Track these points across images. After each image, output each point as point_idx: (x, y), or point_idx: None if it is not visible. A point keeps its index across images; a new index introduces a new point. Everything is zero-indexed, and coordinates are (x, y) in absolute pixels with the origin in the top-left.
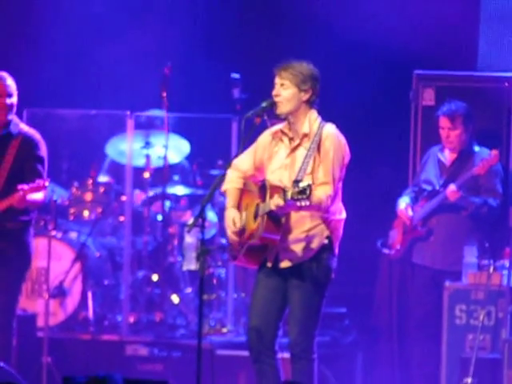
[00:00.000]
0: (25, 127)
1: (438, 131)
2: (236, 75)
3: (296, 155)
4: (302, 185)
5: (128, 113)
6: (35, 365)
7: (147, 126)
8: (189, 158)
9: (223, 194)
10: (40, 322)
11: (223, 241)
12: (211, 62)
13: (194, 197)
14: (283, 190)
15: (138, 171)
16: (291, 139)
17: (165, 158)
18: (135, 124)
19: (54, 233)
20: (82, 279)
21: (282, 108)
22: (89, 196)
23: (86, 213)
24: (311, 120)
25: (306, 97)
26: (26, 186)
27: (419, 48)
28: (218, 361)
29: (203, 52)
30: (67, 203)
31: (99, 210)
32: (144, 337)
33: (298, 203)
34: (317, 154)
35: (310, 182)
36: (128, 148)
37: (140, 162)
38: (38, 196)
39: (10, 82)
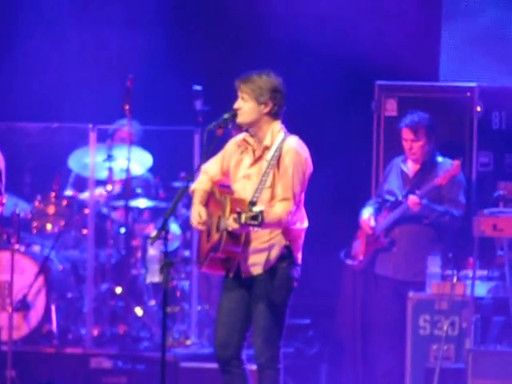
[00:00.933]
0: None
1: (400, 142)
2: (198, 87)
3: (258, 167)
4: (255, 209)
5: (90, 126)
6: None
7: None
8: (151, 170)
9: (186, 207)
10: (3, 336)
11: (186, 253)
12: (173, 74)
13: (156, 209)
14: (238, 214)
15: (102, 184)
16: (254, 150)
17: (127, 170)
18: (99, 137)
19: (16, 246)
20: (45, 292)
21: (242, 119)
22: (51, 209)
23: (48, 226)
24: (274, 132)
25: (266, 109)
26: None
27: (381, 59)
28: (182, 373)
29: (165, 64)
30: (30, 216)
31: (62, 223)
32: (108, 349)
33: (251, 228)
34: (276, 169)
35: (263, 208)
36: (91, 161)
37: (103, 174)
38: None
39: None
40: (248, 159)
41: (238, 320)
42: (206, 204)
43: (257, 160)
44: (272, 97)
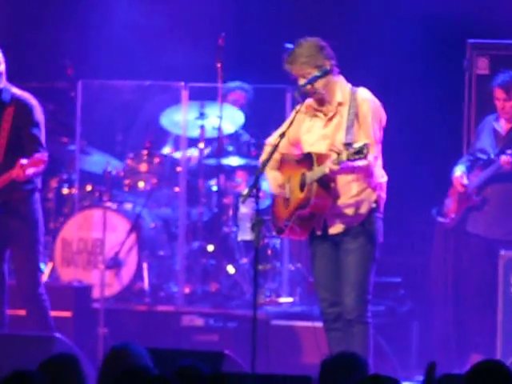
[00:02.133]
0: (17, 91)
1: (492, 100)
2: (290, 45)
3: (333, 124)
4: (357, 145)
5: (182, 84)
6: (91, 336)
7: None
8: (243, 128)
9: None
10: (96, 294)
11: None
12: (265, 32)
13: (248, 167)
14: (337, 153)
15: (193, 142)
16: (324, 112)
17: (219, 128)
18: (190, 95)
19: (109, 204)
20: (137, 250)
21: (316, 85)
22: (144, 167)
23: (141, 184)
24: (342, 87)
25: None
26: (25, 161)
27: (473, 16)
28: (273, 331)
29: (257, 22)
30: (122, 174)
31: (154, 180)
32: (199, 307)
33: (355, 163)
34: (355, 118)
35: (367, 141)
36: (182, 119)
37: (194, 132)
38: (38, 167)
39: None
40: (320, 122)
41: (336, 277)
42: (280, 172)
43: (331, 118)
44: (325, 55)
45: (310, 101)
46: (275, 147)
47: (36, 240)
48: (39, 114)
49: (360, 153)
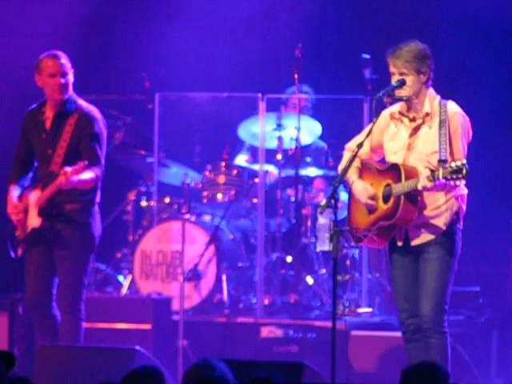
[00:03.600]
0: (83, 104)
1: None
2: (367, 56)
3: (419, 135)
4: (455, 164)
5: (260, 95)
6: (171, 348)
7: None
8: (321, 139)
9: None
10: (175, 306)
11: None
12: (342, 43)
13: (326, 178)
14: (431, 171)
15: (271, 153)
16: (412, 119)
17: (297, 139)
18: (268, 106)
19: (187, 216)
20: (216, 262)
21: (405, 93)
22: (222, 179)
23: (219, 195)
24: (430, 98)
25: (425, 78)
26: (69, 169)
27: None
28: (352, 341)
29: (334, 33)
30: (200, 186)
31: (232, 192)
32: (279, 318)
33: (453, 182)
34: (447, 132)
35: (464, 162)
36: (260, 130)
37: (272, 144)
38: (85, 176)
39: (65, 61)
40: (405, 130)
41: (416, 288)
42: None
43: (416, 129)
44: (428, 64)
45: (396, 106)
46: (354, 157)
47: (83, 254)
48: (101, 127)
49: (458, 172)
